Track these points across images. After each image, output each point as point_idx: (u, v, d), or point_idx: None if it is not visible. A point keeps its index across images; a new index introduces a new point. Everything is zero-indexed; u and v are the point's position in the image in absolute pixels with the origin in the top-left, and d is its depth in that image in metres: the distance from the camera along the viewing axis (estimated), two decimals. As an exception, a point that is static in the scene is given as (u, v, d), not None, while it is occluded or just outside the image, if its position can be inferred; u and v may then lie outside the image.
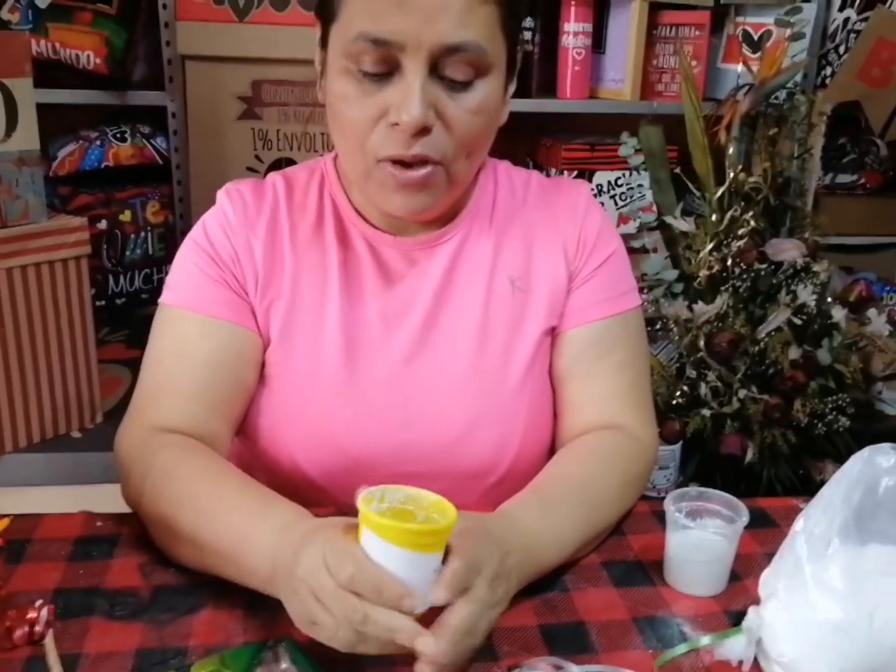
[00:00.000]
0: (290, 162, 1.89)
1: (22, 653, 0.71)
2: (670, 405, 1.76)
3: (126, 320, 1.94)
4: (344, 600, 0.63)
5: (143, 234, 1.94)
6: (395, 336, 0.95)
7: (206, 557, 0.79)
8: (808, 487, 1.69)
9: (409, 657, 0.64)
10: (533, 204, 0.99)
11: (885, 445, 0.71)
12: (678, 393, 1.75)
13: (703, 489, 0.85)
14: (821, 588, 0.69)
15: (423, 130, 0.82)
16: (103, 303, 1.92)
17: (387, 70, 0.82)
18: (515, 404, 0.95)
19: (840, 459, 1.84)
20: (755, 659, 0.73)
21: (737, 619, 0.77)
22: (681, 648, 0.73)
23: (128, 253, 1.93)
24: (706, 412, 1.72)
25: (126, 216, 1.91)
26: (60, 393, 1.45)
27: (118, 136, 1.91)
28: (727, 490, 1.74)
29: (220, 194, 0.97)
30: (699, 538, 0.81)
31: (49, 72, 1.76)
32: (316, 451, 0.94)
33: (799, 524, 0.73)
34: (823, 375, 1.75)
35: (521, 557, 0.75)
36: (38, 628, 0.72)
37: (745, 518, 0.81)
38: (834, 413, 1.70)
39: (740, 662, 0.71)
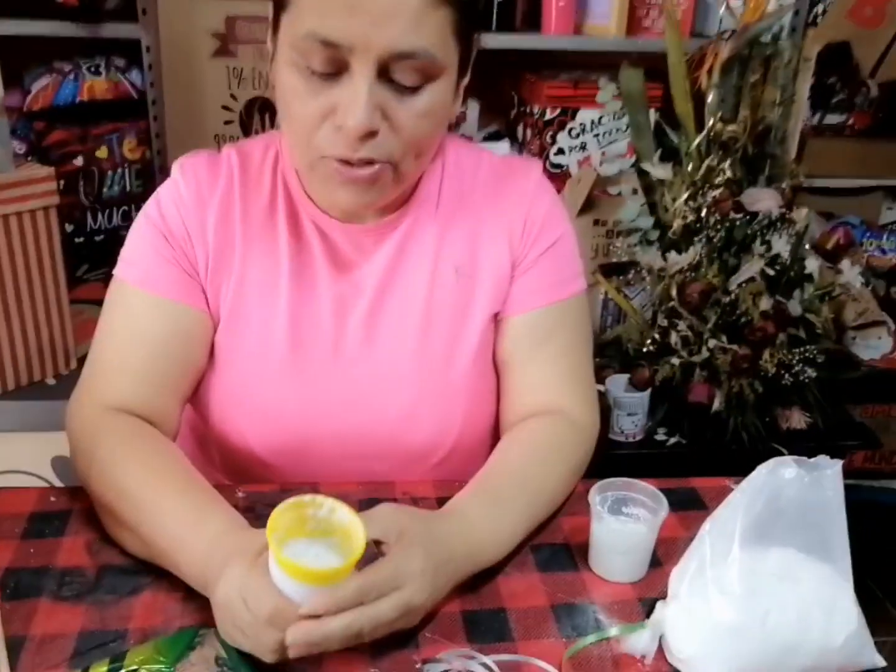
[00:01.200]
0: (266, 101, 1.87)
1: (-29, 634, 0.76)
2: (641, 352, 1.78)
3: (105, 257, 1.95)
4: (264, 634, 0.68)
5: (120, 170, 1.93)
6: (344, 322, 0.97)
7: (146, 550, 0.83)
8: (774, 436, 1.72)
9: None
10: (481, 190, 0.99)
11: (789, 458, 0.74)
12: (649, 341, 1.77)
13: (628, 479, 0.87)
14: (720, 590, 0.73)
15: (369, 134, 0.81)
16: (82, 240, 1.92)
17: (335, 70, 0.81)
18: (457, 389, 0.98)
19: (808, 409, 1.87)
20: (663, 653, 0.77)
21: (650, 607, 0.80)
22: (589, 639, 0.77)
23: (105, 189, 1.93)
24: (676, 361, 1.74)
25: (102, 152, 1.90)
26: (34, 340, 1.48)
27: (92, 69, 1.88)
28: (694, 438, 1.78)
29: (175, 168, 0.97)
30: (619, 529, 0.84)
31: (20, 2, 1.72)
32: (264, 430, 0.97)
33: (706, 527, 0.77)
34: (794, 325, 1.76)
35: (462, 561, 0.79)
36: (-14, 611, 0.77)
37: (664, 512, 0.84)
38: (801, 364, 1.72)
39: (643, 656, 0.76)
